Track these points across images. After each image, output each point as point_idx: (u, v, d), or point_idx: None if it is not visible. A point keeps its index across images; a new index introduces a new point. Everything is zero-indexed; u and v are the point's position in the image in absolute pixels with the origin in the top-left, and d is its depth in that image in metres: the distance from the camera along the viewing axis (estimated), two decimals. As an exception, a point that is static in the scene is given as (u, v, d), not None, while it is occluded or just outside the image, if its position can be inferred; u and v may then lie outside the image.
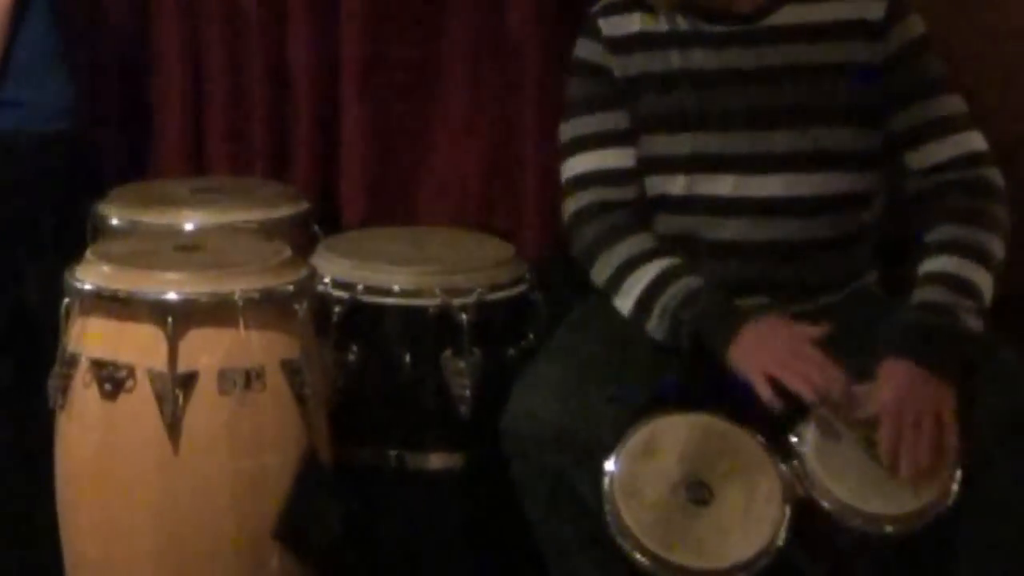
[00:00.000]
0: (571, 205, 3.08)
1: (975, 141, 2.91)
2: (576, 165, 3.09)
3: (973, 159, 2.90)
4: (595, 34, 3.08)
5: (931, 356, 2.67)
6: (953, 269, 2.78)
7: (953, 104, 2.93)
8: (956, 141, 2.90)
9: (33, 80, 3.55)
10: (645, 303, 2.90)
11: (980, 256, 2.79)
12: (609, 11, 3.08)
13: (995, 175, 2.89)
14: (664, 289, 2.89)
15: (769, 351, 2.75)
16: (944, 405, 2.62)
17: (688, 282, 2.89)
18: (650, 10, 3.03)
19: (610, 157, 3.06)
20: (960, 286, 2.75)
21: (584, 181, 3.07)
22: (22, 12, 3.46)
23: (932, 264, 2.80)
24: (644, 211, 3.07)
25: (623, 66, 3.04)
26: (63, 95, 3.65)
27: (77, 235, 3.59)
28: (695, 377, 2.88)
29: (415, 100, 3.97)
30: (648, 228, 3.05)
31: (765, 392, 2.69)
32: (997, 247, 2.81)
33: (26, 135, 3.54)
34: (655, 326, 2.89)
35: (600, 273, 2.99)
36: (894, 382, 2.66)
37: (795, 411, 2.74)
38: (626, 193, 3.05)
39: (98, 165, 4.27)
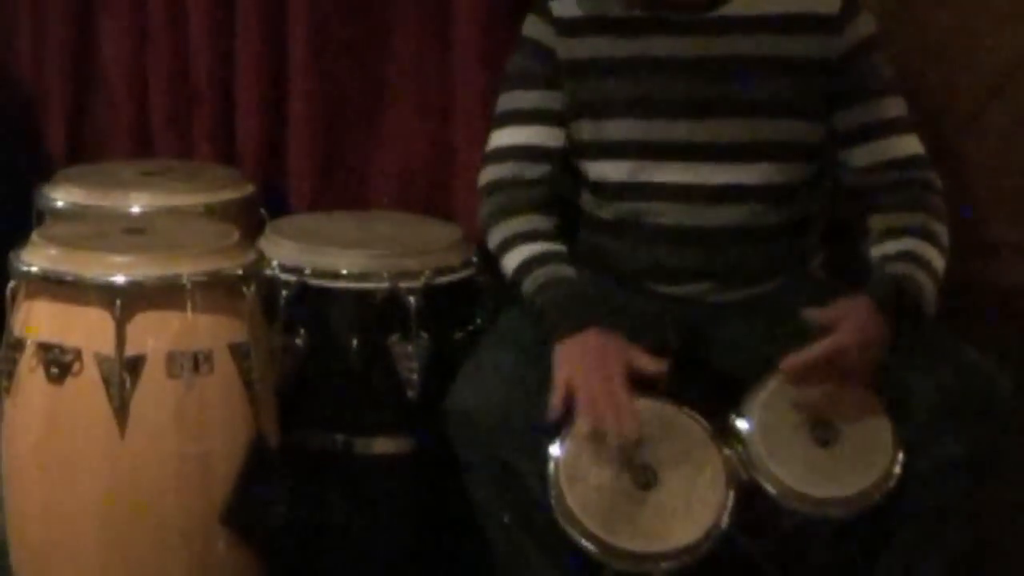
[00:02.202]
0: (486, 175, 3.14)
1: (914, 144, 2.96)
2: (503, 136, 3.14)
3: (913, 161, 2.95)
4: (545, 14, 3.10)
5: (890, 309, 2.72)
6: (918, 250, 2.83)
7: (897, 106, 2.97)
8: (897, 143, 2.96)
9: None
10: (517, 278, 2.96)
11: (935, 241, 2.85)
12: None
13: (934, 177, 2.95)
14: (530, 271, 2.94)
15: (586, 369, 2.77)
16: (878, 355, 2.68)
17: (556, 269, 2.94)
18: None
19: (534, 134, 3.11)
20: (926, 267, 2.80)
21: (503, 153, 3.13)
22: None
23: (898, 244, 2.85)
24: (550, 192, 3.12)
25: (570, 48, 3.06)
26: None
27: (21, 217, 3.62)
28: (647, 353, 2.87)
29: (363, 84, 3.97)
30: (552, 211, 3.09)
31: (555, 400, 2.72)
32: (944, 235, 2.87)
33: None
34: (524, 303, 2.95)
35: (491, 243, 3.06)
36: (855, 314, 2.69)
37: (743, 384, 2.80)
38: (540, 170, 3.10)
39: (43, 147, 4.32)
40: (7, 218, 3.66)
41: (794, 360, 2.66)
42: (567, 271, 2.93)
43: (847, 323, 2.67)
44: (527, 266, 2.95)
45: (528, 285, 2.93)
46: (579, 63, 3.06)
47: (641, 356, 2.78)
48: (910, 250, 2.83)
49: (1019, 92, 3.24)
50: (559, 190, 3.11)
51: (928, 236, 2.86)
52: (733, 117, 2.97)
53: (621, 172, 3.04)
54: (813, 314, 2.69)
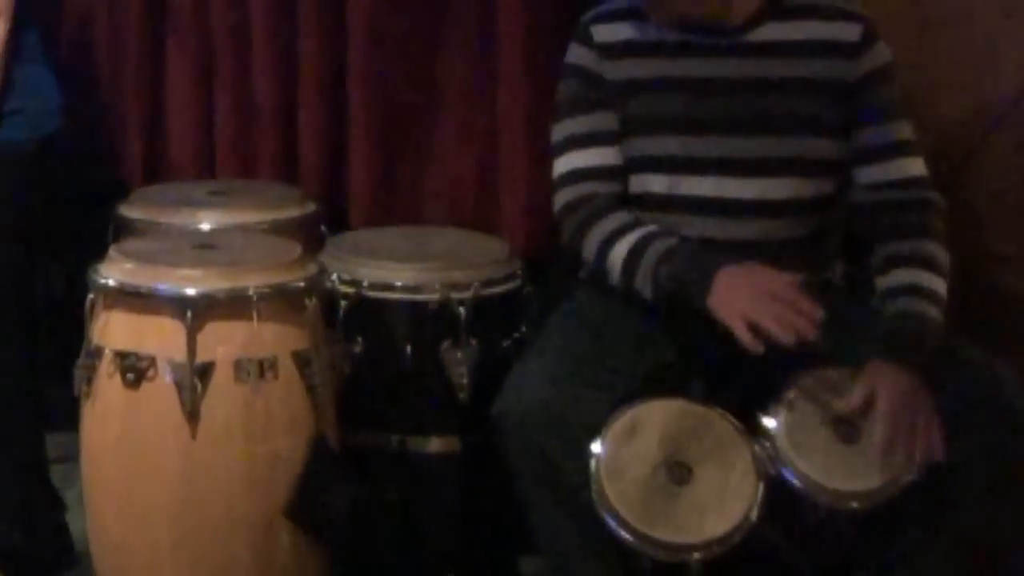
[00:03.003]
0: (561, 198, 3.10)
1: (919, 166, 2.97)
2: (566, 162, 3.11)
3: (916, 182, 2.97)
4: (587, 40, 3.09)
5: (916, 362, 2.72)
6: (918, 281, 2.84)
7: (905, 130, 2.98)
8: (905, 165, 2.97)
9: (30, 90, 3.49)
10: (629, 269, 2.92)
11: (935, 267, 2.86)
12: (601, 19, 3.10)
13: (936, 197, 2.96)
14: (643, 252, 2.91)
15: (745, 295, 2.76)
16: (931, 408, 2.67)
17: (665, 242, 2.90)
18: (641, 19, 3.05)
19: (597, 155, 3.08)
20: (926, 295, 2.81)
21: (573, 176, 3.10)
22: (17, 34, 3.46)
23: (897, 277, 2.86)
24: (626, 202, 3.09)
25: (613, 71, 3.06)
26: (54, 100, 3.58)
27: (98, 234, 3.62)
28: (679, 356, 2.93)
29: (415, 109, 3.96)
30: (629, 208, 3.07)
31: (745, 337, 2.69)
32: (944, 257, 2.87)
33: (33, 142, 3.50)
34: (641, 287, 2.91)
35: (588, 251, 3.01)
36: (893, 390, 2.70)
37: (769, 386, 2.80)
38: (611, 187, 3.07)
39: (118, 169, 4.31)
40: (87, 234, 3.68)
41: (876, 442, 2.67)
42: (672, 240, 2.91)
43: (884, 402, 2.68)
44: (635, 254, 2.93)
45: (644, 269, 2.90)
46: (622, 84, 3.06)
47: (772, 269, 2.81)
48: (915, 283, 2.84)
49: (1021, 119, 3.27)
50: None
51: (929, 264, 2.86)
52: (763, 134, 2.97)
53: (661, 185, 3.03)
54: (853, 400, 2.70)
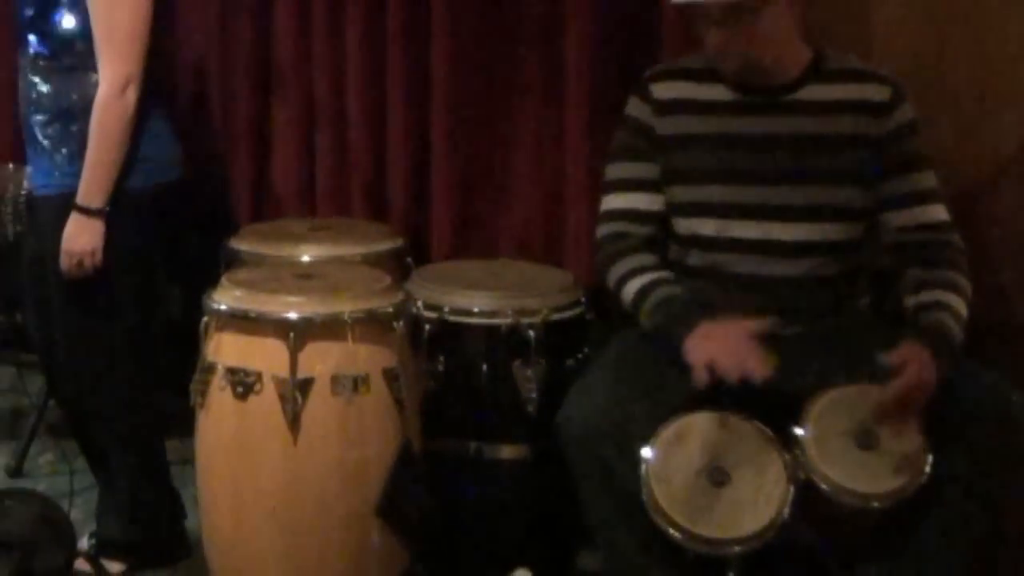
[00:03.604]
0: (600, 231, 3.15)
1: (942, 212, 3.00)
2: (611, 201, 3.16)
3: (940, 226, 2.99)
4: (645, 95, 3.12)
5: (940, 355, 2.74)
6: (944, 299, 2.88)
7: (930, 179, 3.01)
8: (930, 211, 3.00)
9: (154, 141, 3.51)
10: (635, 306, 3.00)
11: (959, 291, 2.90)
12: (659, 77, 3.14)
13: (957, 239, 2.99)
14: (649, 294, 2.98)
15: (710, 342, 2.81)
16: (932, 390, 2.71)
17: (667, 290, 2.98)
18: (695, 79, 3.09)
19: (636, 200, 3.13)
20: (951, 312, 2.85)
21: (611, 215, 3.15)
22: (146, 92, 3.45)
23: (926, 296, 2.90)
24: (656, 245, 3.14)
25: (666, 125, 3.08)
26: (174, 150, 3.60)
27: (211, 265, 3.70)
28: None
29: (490, 156, 3.99)
30: (655, 251, 3.11)
31: (699, 376, 2.75)
32: (966, 286, 2.91)
33: (158, 187, 3.53)
34: (642, 321, 2.98)
35: (610, 282, 3.08)
36: (921, 362, 2.71)
37: (799, 402, 2.82)
38: (642, 229, 3.11)
39: (231, 207, 4.41)
40: (202, 264, 3.76)
41: (880, 398, 2.72)
42: (675, 290, 2.97)
43: (914, 366, 2.71)
44: (643, 293, 2.99)
45: (647, 307, 2.97)
46: (674, 138, 3.08)
47: (747, 320, 2.85)
48: (941, 300, 2.88)
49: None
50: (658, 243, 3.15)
51: (954, 287, 2.90)
52: (802, 184, 3.00)
53: (709, 229, 3.05)
54: (887, 358, 2.72)
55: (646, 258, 3.08)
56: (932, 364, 2.73)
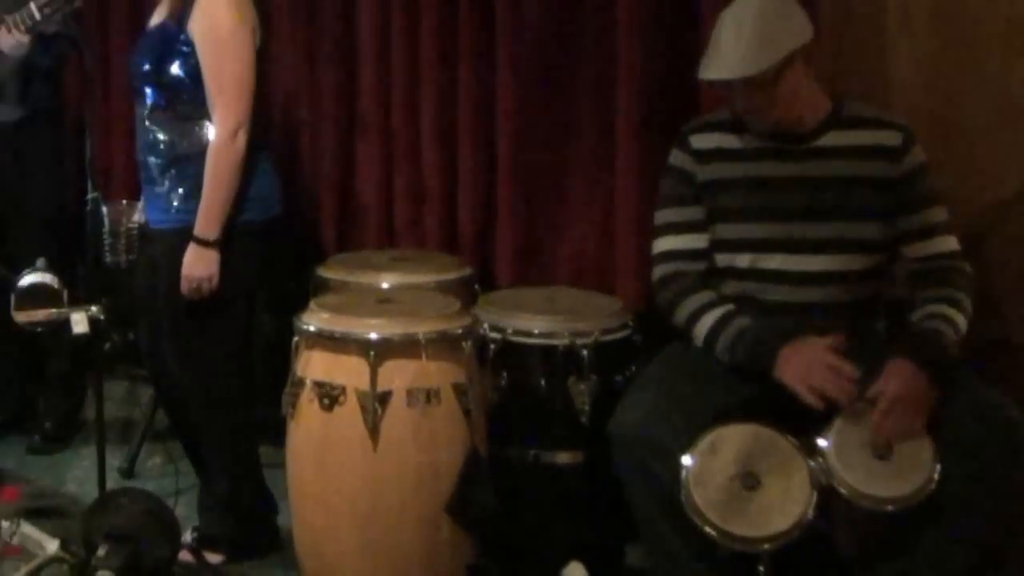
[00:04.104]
0: (656, 272, 3.17)
1: (953, 243, 3.02)
2: (664, 244, 3.17)
3: (951, 255, 3.02)
4: (686, 146, 3.15)
5: (926, 362, 2.78)
6: (941, 311, 2.91)
7: (940, 214, 3.03)
8: (941, 242, 3.02)
9: (260, 181, 3.55)
10: (712, 340, 3.00)
11: (959, 306, 2.93)
12: (697, 129, 3.16)
13: (965, 265, 3.01)
14: (722, 330, 2.99)
15: (803, 367, 2.84)
16: (927, 397, 2.75)
17: (738, 324, 2.99)
18: (729, 130, 3.10)
19: (686, 240, 3.14)
20: (947, 322, 2.89)
21: (666, 256, 3.16)
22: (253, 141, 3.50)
23: (927, 309, 2.93)
24: (708, 278, 3.13)
25: (706, 172, 3.12)
26: (277, 189, 3.65)
27: (302, 291, 3.74)
28: (752, 396, 2.97)
29: (549, 194, 3.98)
30: (709, 288, 3.11)
31: (808, 398, 2.79)
32: (967, 303, 2.93)
33: (263, 222, 3.58)
34: (720, 354, 2.98)
35: (679, 319, 3.09)
36: (901, 381, 2.76)
37: (821, 419, 2.83)
38: (695, 266, 3.13)
39: (318, 239, 4.42)
40: (293, 290, 3.82)
41: (874, 419, 2.75)
42: (745, 321, 2.99)
43: (894, 383, 2.75)
44: (716, 329, 3.00)
45: (723, 342, 2.98)
46: (713, 183, 3.11)
47: (823, 339, 2.88)
48: (938, 312, 2.91)
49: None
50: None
51: (954, 303, 2.93)
52: (825, 220, 3.02)
53: (744, 262, 3.08)
54: (870, 392, 2.77)
55: (707, 295, 3.09)
56: (918, 374, 2.76)
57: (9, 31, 3.95)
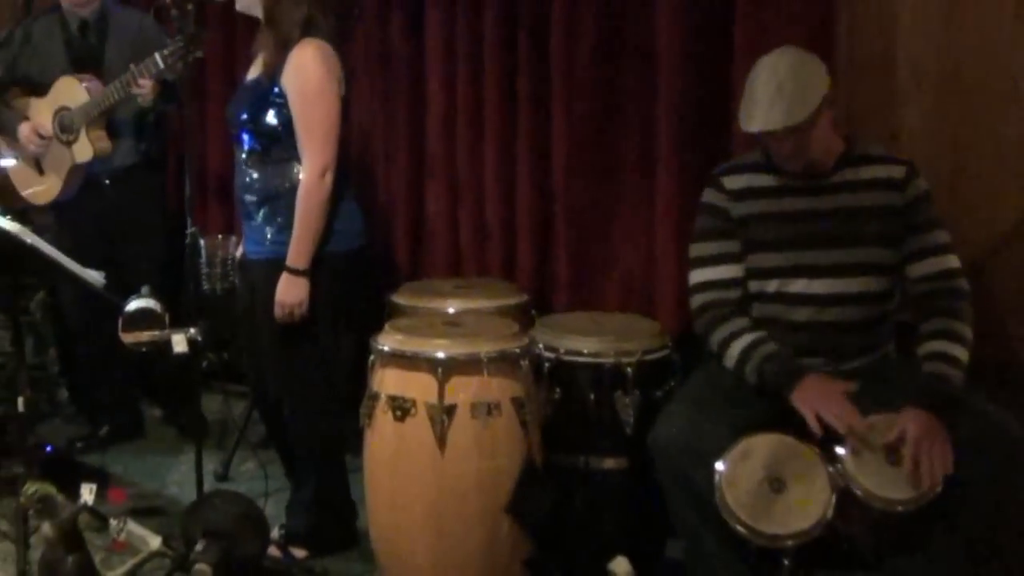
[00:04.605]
0: (695, 301, 3.19)
1: (953, 262, 3.03)
2: (699, 275, 3.19)
3: (952, 273, 3.03)
4: (719, 186, 3.19)
5: (939, 408, 2.81)
6: (945, 350, 2.93)
7: (942, 236, 3.04)
8: (941, 261, 3.03)
9: (344, 216, 3.58)
10: (741, 363, 3.04)
11: (960, 340, 2.94)
12: (728, 171, 3.20)
13: (965, 283, 3.03)
14: (751, 355, 3.03)
15: (816, 397, 2.89)
16: (946, 443, 2.76)
17: (766, 350, 3.02)
18: (757, 171, 3.14)
19: (721, 271, 3.16)
20: (951, 361, 2.91)
21: (703, 286, 3.18)
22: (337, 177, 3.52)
23: (933, 346, 2.94)
24: (742, 304, 3.15)
25: (737, 208, 3.15)
26: (359, 222, 3.66)
27: (377, 315, 3.79)
28: (776, 411, 2.98)
29: (598, 228, 4.00)
30: (743, 315, 3.13)
31: (812, 423, 2.84)
32: (969, 334, 2.95)
33: (348, 253, 3.60)
34: (748, 376, 3.02)
35: (713, 344, 3.12)
36: (918, 424, 2.78)
37: (834, 435, 2.86)
38: (730, 295, 3.15)
39: (392, 269, 4.48)
40: (369, 314, 3.84)
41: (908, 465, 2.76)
42: (773, 347, 3.02)
43: (914, 429, 2.77)
44: (746, 353, 3.04)
45: (752, 365, 3.01)
46: (744, 218, 3.15)
47: (835, 380, 2.94)
48: (941, 350, 2.92)
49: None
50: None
51: (955, 337, 2.94)
52: (841, 247, 3.06)
53: (772, 287, 3.12)
54: (892, 435, 2.80)
55: (739, 322, 3.11)
56: (933, 421, 2.79)
57: (136, 81, 4.02)
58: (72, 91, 4.34)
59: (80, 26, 4.46)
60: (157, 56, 3.84)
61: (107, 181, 4.48)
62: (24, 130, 4.43)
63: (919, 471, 2.75)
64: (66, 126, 4.37)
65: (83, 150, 4.38)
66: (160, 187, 4.74)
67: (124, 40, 4.42)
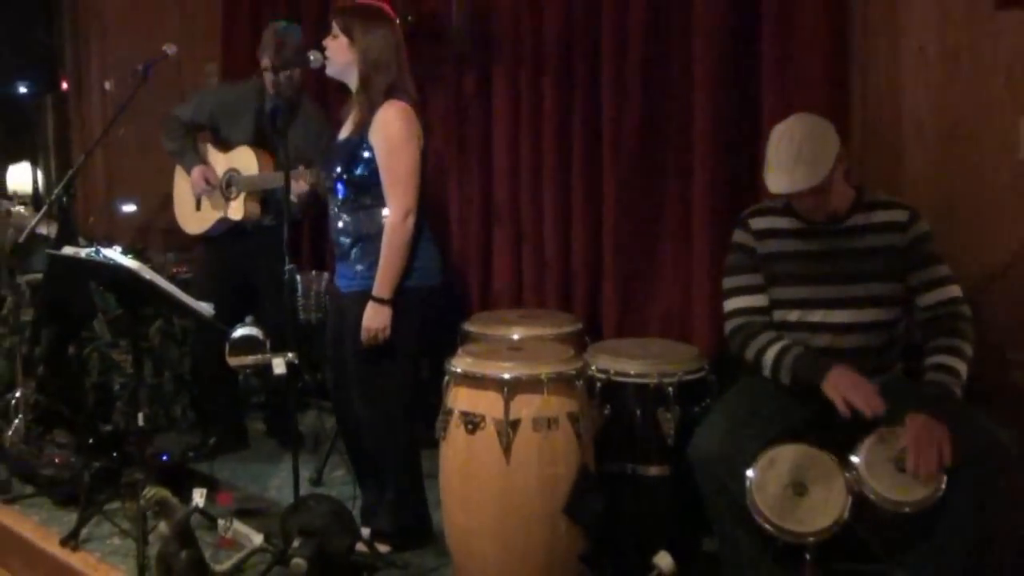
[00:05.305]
0: (729, 325, 3.22)
1: (955, 291, 3.04)
2: (733, 303, 3.22)
3: (955, 301, 3.04)
4: (746, 227, 3.22)
5: (938, 410, 2.82)
6: (946, 362, 2.94)
7: (943, 270, 3.05)
8: (944, 291, 3.04)
9: (424, 254, 3.58)
10: (776, 367, 3.07)
11: (960, 355, 2.95)
12: (755, 214, 3.22)
13: (967, 308, 3.03)
14: (784, 357, 3.06)
15: (845, 384, 2.91)
16: (945, 438, 2.77)
17: (796, 352, 3.05)
18: (779, 214, 3.15)
19: (751, 300, 3.20)
20: (951, 373, 2.92)
21: (736, 313, 3.22)
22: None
23: (936, 359, 2.95)
24: (771, 328, 3.16)
25: (763, 247, 3.18)
26: (437, 260, 3.64)
27: (451, 341, 3.77)
28: (800, 424, 3.02)
29: (643, 264, 4.02)
30: (771, 330, 3.14)
31: (841, 407, 2.85)
32: (969, 350, 2.96)
33: (429, 288, 3.60)
34: (783, 377, 3.03)
35: (748, 357, 3.13)
36: (917, 423, 2.80)
37: (855, 438, 2.87)
38: (761, 319, 3.17)
39: (465, 301, 4.51)
40: (445, 340, 3.83)
41: (910, 460, 2.78)
42: (801, 349, 3.03)
43: (917, 433, 2.79)
44: (779, 358, 3.06)
45: (785, 366, 3.03)
46: (768, 256, 3.18)
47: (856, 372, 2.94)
48: (944, 363, 2.93)
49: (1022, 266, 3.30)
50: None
51: (957, 352, 2.95)
52: (853, 282, 3.08)
53: (794, 316, 3.15)
54: (904, 437, 2.81)
55: (769, 334, 3.13)
56: (934, 422, 2.80)
57: (298, 182, 4.06)
58: (248, 160, 4.44)
59: (272, 108, 4.50)
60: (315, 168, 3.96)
61: (250, 230, 4.54)
62: (196, 173, 4.55)
63: (919, 461, 2.75)
64: (231, 185, 4.48)
65: (236, 210, 4.51)
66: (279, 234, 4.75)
67: (304, 133, 4.44)
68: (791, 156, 2.98)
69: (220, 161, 4.58)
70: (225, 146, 4.57)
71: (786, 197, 3.09)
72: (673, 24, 3.86)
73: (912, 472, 2.76)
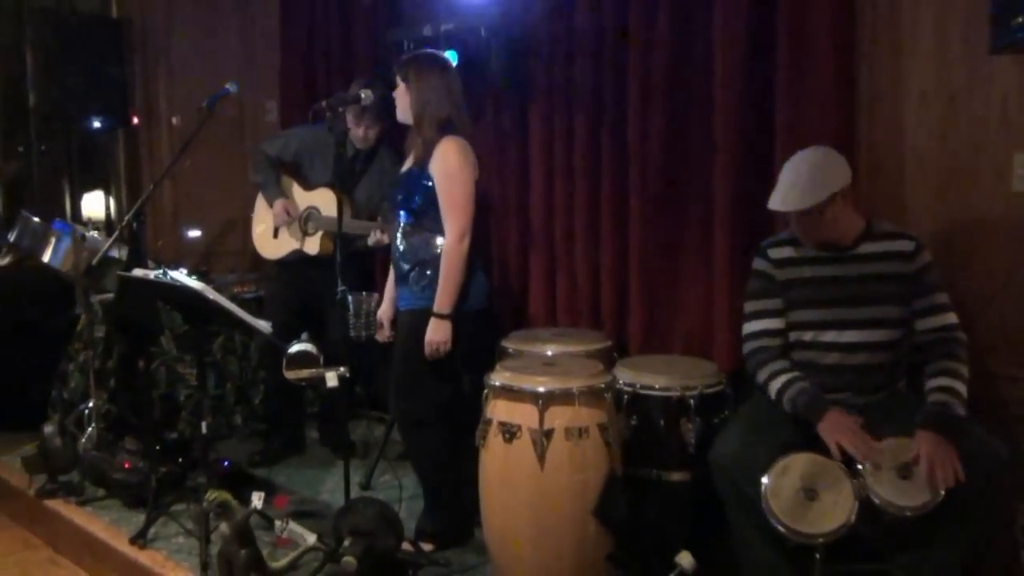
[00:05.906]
0: (747, 347, 3.22)
1: (952, 318, 3.06)
2: (752, 326, 3.22)
3: (952, 327, 3.06)
4: (765, 256, 3.23)
5: (946, 432, 2.85)
6: (948, 385, 2.96)
7: (943, 297, 3.08)
8: (943, 318, 3.07)
9: (474, 280, 3.61)
10: (780, 396, 3.08)
11: (960, 377, 2.98)
12: (773, 244, 3.23)
13: (962, 334, 3.05)
14: (787, 390, 3.07)
15: (837, 429, 2.93)
16: (955, 456, 2.80)
17: (800, 386, 3.05)
18: (794, 244, 3.17)
19: (769, 323, 3.19)
20: (954, 394, 2.95)
21: (754, 335, 3.22)
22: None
23: (938, 381, 2.97)
24: (784, 350, 3.17)
25: (781, 274, 3.19)
26: (484, 285, 3.68)
27: (490, 357, 3.78)
28: (809, 435, 3.01)
29: (666, 288, 4.01)
30: (784, 358, 3.14)
31: (834, 450, 2.88)
32: (966, 372, 2.99)
33: (477, 311, 3.64)
34: (786, 406, 3.05)
35: (759, 380, 3.15)
36: (929, 443, 2.82)
37: (851, 458, 2.89)
38: (775, 342, 3.18)
39: (502, 319, 4.50)
40: (486, 358, 3.81)
41: (924, 474, 2.78)
42: (805, 384, 3.03)
43: (928, 450, 2.81)
44: (783, 389, 3.06)
45: (788, 397, 3.04)
46: (786, 282, 3.18)
47: (853, 415, 2.94)
48: (945, 385, 2.96)
49: (1013, 289, 3.28)
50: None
51: (956, 375, 2.97)
52: (862, 306, 3.09)
53: (808, 336, 3.15)
54: (914, 453, 2.82)
55: (781, 363, 3.13)
56: (942, 439, 2.82)
57: (376, 234, 4.13)
58: (328, 201, 4.39)
59: (353, 155, 4.52)
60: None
61: (320, 262, 4.53)
62: (279, 205, 4.55)
63: (934, 479, 2.76)
64: (310, 222, 4.52)
65: (312, 245, 4.53)
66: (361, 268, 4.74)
67: (380, 180, 4.46)
68: (791, 179, 3.02)
69: (301, 197, 4.60)
70: (306, 183, 4.60)
71: (783, 216, 3.10)
72: (697, 74, 3.88)
73: (932, 487, 2.78)
